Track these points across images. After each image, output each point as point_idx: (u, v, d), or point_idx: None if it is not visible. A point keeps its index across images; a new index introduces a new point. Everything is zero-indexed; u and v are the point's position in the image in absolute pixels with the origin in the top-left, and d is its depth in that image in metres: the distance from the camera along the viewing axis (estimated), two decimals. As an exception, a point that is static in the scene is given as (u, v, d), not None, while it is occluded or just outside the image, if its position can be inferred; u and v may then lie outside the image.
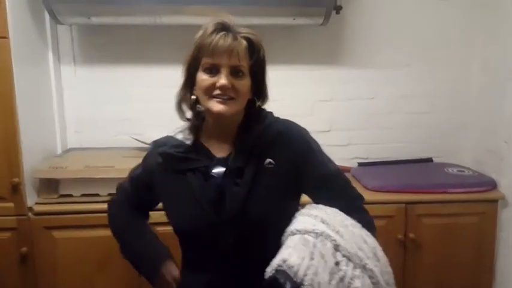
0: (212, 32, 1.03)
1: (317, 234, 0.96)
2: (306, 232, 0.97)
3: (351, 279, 0.90)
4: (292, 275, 0.88)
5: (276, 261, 0.93)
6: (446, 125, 2.40)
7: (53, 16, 1.98)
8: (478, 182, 2.07)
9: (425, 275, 2.01)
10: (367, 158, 2.39)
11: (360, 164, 2.36)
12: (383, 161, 2.36)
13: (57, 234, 1.88)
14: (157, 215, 1.77)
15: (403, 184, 2.05)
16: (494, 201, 2.03)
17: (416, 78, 2.36)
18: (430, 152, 2.40)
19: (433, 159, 2.39)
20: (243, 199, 1.04)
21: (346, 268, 0.91)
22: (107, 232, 1.83)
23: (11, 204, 1.84)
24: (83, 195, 1.89)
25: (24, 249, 1.86)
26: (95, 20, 2.01)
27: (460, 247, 2.01)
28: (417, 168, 2.29)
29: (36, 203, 1.90)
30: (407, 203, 1.97)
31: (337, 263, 0.92)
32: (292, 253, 0.92)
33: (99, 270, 1.89)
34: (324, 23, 2.05)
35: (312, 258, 0.90)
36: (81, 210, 1.84)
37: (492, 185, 2.06)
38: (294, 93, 2.27)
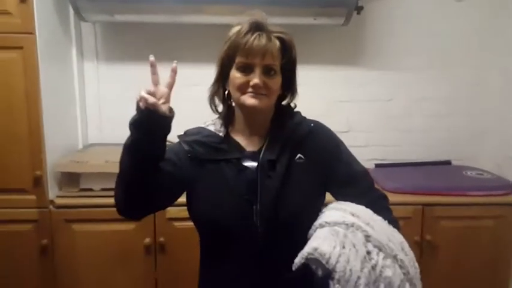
0: (247, 32, 1.06)
1: (347, 226, 0.97)
2: (336, 224, 0.99)
3: (382, 267, 0.91)
4: (323, 262, 0.89)
5: (306, 250, 0.94)
6: (465, 129, 2.39)
7: (78, 13, 2.01)
8: (496, 185, 2.06)
9: (441, 277, 2.00)
10: (384, 160, 2.39)
11: (377, 165, 2.36)
12: (400, 163, 2.35)
13: (77, 227, 1.91)
14: (175, 210, 1.82)
15: (420, 186, 2.04)
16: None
17: (436, 81, 2.35)
18: (448, 155, 2.39)
19: (452, 162, 2.38)
20: (276, 191, 1.06)
21: (377, 258, 0.92)
22: (126, 226, 1.89)
23: (33, 197, 1.88)
24: (103, 189, 1.92)
25: (44, 241, 1.89)
26: (118, 17, 2.04)
27: (476, 249, 2.00)
28: (435, 171, 2.28)
29: (57, 196, 1.93)
30: (425, 204, 1.97)
31: (368, 252, 0.93)
32: (322, 243, 0.93)
33: (117, 263, 1.92)
34: (344, 23, 2.06)
35: (343, 247, 0.91)
36: (101, 204, 1.86)
37: (510, 188, 2.05)
38: (313, 93, 2.27)
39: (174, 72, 1.02)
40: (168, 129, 1.01)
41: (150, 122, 0.97)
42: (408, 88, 2.35)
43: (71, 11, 2.09)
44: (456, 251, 1.99)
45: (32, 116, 1.83)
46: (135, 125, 0.99)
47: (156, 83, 1.01)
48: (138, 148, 1.00)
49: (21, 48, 1.78)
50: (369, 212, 1.05)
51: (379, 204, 1.13)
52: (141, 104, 0.96)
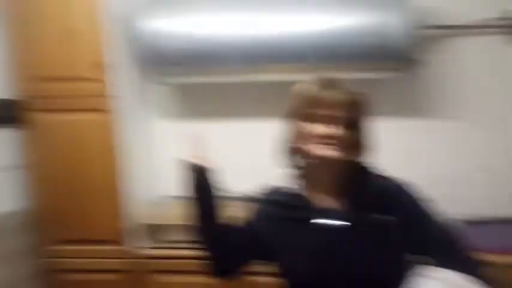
0: (317, 86, 1.10)
1: None
2: None
3: None
4: None
5: None
6: None
7: (153, 77, 2.17)
8: None
9: None
10: (474, 215, 2.17)
11: (467, 222, 2.16)
12: (492, 219, 2.13)
13: (163, 278, 2.00)
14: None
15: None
16: None
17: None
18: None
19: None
20: (355, 255, 1.07)
21: None
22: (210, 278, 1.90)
23: (118, 247, 2.02)
24: (188, 241, 1.96)
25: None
26: (188, 79, 2.17)
27: None
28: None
29: (144, 247, 2.03)
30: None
31: None
32: None
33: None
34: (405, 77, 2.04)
35: None
36: (186, 255, 1.89)
37: None
38: (391, 146, 2.17)
39: (198, 140, 1.22)
40: (212, 182, 1.21)
41: (200, 179, 1.19)
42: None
43: (147, 75, 2.20)
44: None
45: (113, 171, 2.00)
46: (193, 187, 1.20)
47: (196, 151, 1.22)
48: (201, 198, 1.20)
49: (103, 110, 1.97)
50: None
51: (474, 272, 1.04)
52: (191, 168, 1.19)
